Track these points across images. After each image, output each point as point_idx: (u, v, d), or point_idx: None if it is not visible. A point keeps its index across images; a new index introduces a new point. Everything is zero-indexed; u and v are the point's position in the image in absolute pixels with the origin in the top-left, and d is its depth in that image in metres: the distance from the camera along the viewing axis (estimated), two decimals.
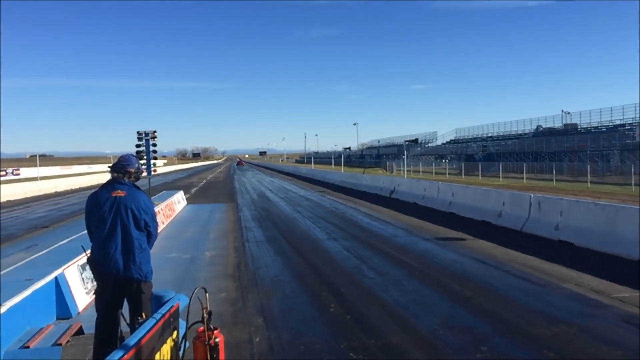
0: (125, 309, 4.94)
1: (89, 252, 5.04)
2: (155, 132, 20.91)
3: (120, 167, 5.03)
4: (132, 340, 3.46)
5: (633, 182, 31.56)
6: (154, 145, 20.92)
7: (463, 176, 49.34)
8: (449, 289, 8.32)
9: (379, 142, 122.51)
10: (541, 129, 67.63)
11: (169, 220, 17.82)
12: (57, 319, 6.76)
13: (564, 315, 6.84)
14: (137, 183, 5.22)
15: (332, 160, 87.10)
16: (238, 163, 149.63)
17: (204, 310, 4.29)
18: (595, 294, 7.84)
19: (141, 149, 20.56)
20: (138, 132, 20.77)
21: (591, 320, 6.67)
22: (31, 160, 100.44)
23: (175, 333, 4.40)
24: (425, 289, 8.44)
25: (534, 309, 7.16)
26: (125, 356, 3.19)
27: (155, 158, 21.53)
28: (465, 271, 9.58)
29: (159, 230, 6.27)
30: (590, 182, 34.59)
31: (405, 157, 44.84)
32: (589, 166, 37.38)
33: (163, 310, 4.16)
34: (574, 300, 7.57)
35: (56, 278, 6.91)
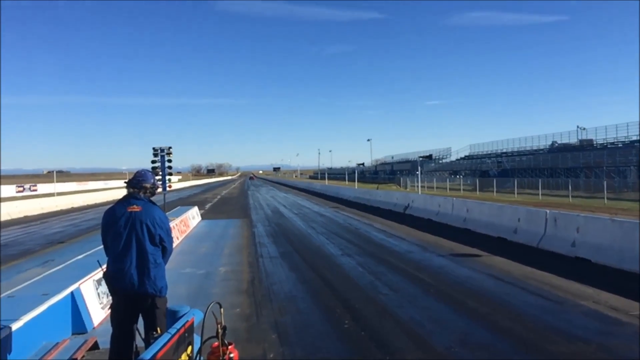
0: (140, 324, 4.95)
1: (104, 267, 5.08)
2: (170, 148, 21.13)
3: (136, 182, 5.08)
4: (147, 355, 3.47)
5: None
6: (169, 161, 21.12)
7: (478, 192, 49.01)
8: (464, 306, 8.25)
9: (392, 157, 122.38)
10: (556, 144, 67.14)
11: (184, 235, 17.91)
12: (73, 333, 6.80)
13: (581, 333, 6.75)
14: (153, 198, 5.26)
15: (346, 176, 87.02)
16: (250, 178, 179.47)
17: (219, 326, 4.29)
18: (613, 312, 7.73)
19: (156, 164, 20.75)
20: (153, 149, 20.99)
21: (609, 338, 6.56)
22: (48, 176, 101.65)
23: (189, 348, 4.40)
24: (440, 305, 8.37)
25: (551, 326, 7.07)
26: None
27: (171, 174, 21.70)
28: (481, 288, 9.50)
29: (174, 245, 6.27)
30: (607, 198, 34.17)
31: (419, 172, 44.71)
32: (605, 182, 36.91)
33: (178, 325, 4.17)
34: (591, 318, 7.47)
35: (72, 293, 6.95)
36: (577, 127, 64.24)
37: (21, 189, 67.38)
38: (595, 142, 60.32)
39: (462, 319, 7.55)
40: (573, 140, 65.21)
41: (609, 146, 56.23)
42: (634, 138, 53.08)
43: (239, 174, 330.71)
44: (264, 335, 6.96)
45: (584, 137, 63.09)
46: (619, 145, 54.56)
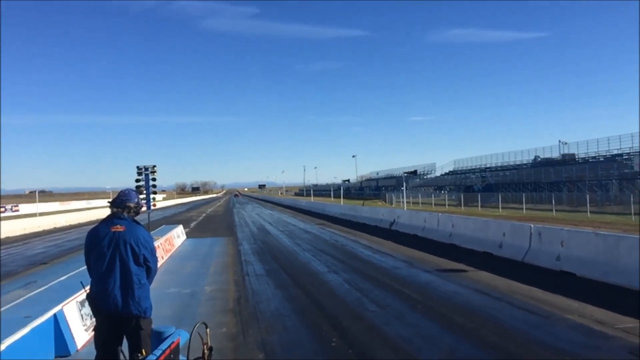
0: (125, 345, 4.88)
1: (88, 288, 5.00)
2: (154, 166, 21.01)
3: (120, 202, 5.03)
4: None
5: (632, 211, 31.52)
6: (154, 179, 20.99)
7: (462, 207, 49.32)
8: (451, 322, 8.24)
9: (377, 174, 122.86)
10: (539, 159, 67.91)
11: (169, 254, 17.74)
12: (56, 356, 6.68)
13: (568, 347, 6.77)
14: (137, 217, 5.21)
15: (332, 193, 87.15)
16: (235, 195, 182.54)
17: (205, 346, 4.24)
18: (598, 325, 7.77)
19: (141, 183, 20.62)
20: (138, 167, 20.86)
21: (596, 351, 6.59)
22: (30, 196, 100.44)
23: None
24: (427, 321, 8.36)
25: (538, 340, 7.09)
26: None
27: (155, 192, 21.56)
28: (467, 303, 9.50)
29: (159, 265, 6.18)
30: (590, 212, 34.57)
31: (404, 188, 44.89)
32: (587, 196, 37.37)
33: (163, 346, 4.12)
34: (577, 332, 7.50)
35: (55, 315, 6.84)
36: (559, 141, 65.09)
37: (2, 209, 66.49)
38: (577, 156, 61.13)
39: (450, 335, 7.55)
40: (555, 154, 66.00)
41: (590, 160, 57.04)
42: (615, 152, 53.92)
43: (224, 191, 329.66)
44: (251, 354, 6.89)
45: (566, 152, 63.89)
46: (601, 159, 55.36)
